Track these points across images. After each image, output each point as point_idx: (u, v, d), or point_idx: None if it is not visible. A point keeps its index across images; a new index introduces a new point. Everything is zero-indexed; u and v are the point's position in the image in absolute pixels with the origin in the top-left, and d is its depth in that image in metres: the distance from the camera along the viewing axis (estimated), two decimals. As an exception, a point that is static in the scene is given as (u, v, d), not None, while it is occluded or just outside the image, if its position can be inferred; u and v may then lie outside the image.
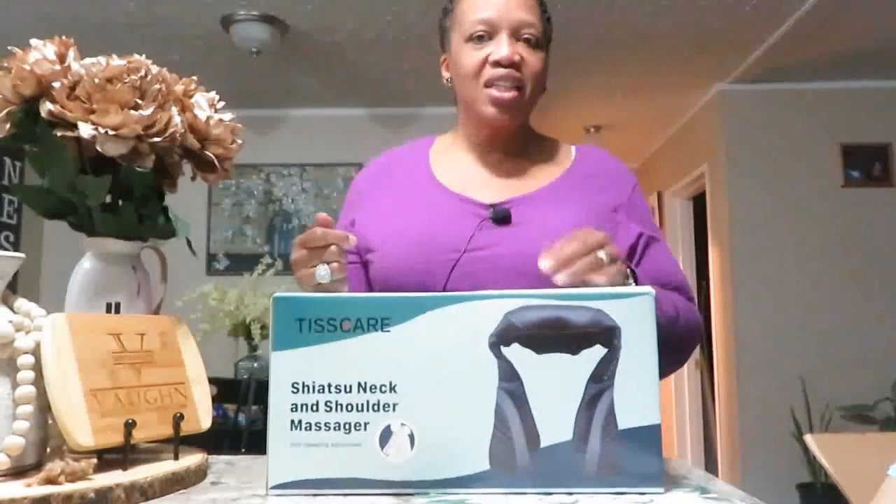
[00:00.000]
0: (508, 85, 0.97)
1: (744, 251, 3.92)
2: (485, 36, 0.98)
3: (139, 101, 0.79)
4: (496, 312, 0.66)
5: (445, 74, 1.08)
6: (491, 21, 0.97)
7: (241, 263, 4.15)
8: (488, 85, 0.98)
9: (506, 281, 0.94)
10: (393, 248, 1.00)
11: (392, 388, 0.66)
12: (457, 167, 1.06)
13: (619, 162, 1.11)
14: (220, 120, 0.89)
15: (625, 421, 0.65)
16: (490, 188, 1.03)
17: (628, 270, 0.83)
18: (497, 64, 0.97)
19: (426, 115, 4.40)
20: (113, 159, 0.79)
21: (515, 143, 1.06)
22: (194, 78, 0.89)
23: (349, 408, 0.66)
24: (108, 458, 0.71)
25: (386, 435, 0.65)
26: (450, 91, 1.08)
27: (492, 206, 1.00)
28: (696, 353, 4.89)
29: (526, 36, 0.98)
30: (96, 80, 0.77)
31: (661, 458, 0.65)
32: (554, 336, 0.66)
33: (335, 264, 0.83)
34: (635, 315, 0.66)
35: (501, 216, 0.99)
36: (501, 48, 0.96)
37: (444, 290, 0.96)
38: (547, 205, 1.00)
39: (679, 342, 0.95)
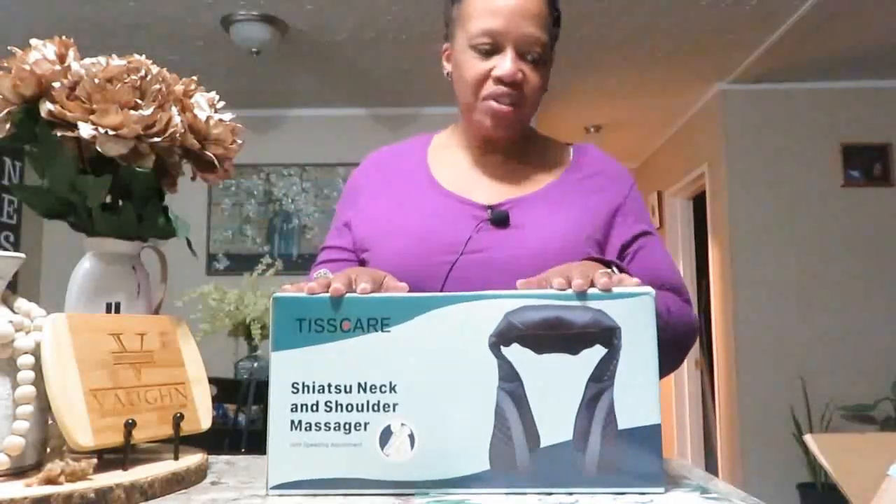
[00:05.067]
0: (507, 101, 0.96)
1: (744, 251, 3.92)
2: (490, 49, 0.96)
3: (139, 101, 0.79)
4: (496, 312, 0.66)
5: (447, 66, 1.06)
6: (498, 33, 0.95)
7: (241, 263, 4.15)
8: (487, 98, 0.97)
9: (502, 284, 0.92)
10: (389, 247, 0.99)
11: (392, 389, 0.66)
12: (455, 167, 1.06)
13: (617, 162, 1.10)
14: (220, 120, 0.89)
15: (625, 421, 0.65)
16: (488, 189, 1.02)
17: (613, 268, 0.82)
18: (499, 80, 0.95)
19: (426, 115, 4.40)
20: (113, 159, 0.79)
21: (514, 145, 1.05)
22: (194, 78, 0.89)
23: (349, 408, 0.66)
24: (108, 458, 0.71)
25: (386, 435, 0.65)
26: (450, 82, 1.06)
27: (490, 207, 0.99)
28: (696, 353, 4.89)
29: (531, 56, 0.96)
30: (96, 80, 0.77)
31: (661, 457, 0.65)
32: (554, 336, 0.66)
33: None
34: (635, 315, 0.66)
35: (500, 218, 0.98)
36: (505, 64, 0.95)
37: (440, 292, 0.95)
38: (545, 207, 1.00)
39: (669, 344, 0.92)
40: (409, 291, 0.94)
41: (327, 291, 0.68)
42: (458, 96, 1.03)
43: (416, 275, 0.92)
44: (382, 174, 1.09)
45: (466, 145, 1.07)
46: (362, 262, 1.05)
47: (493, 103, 0.96)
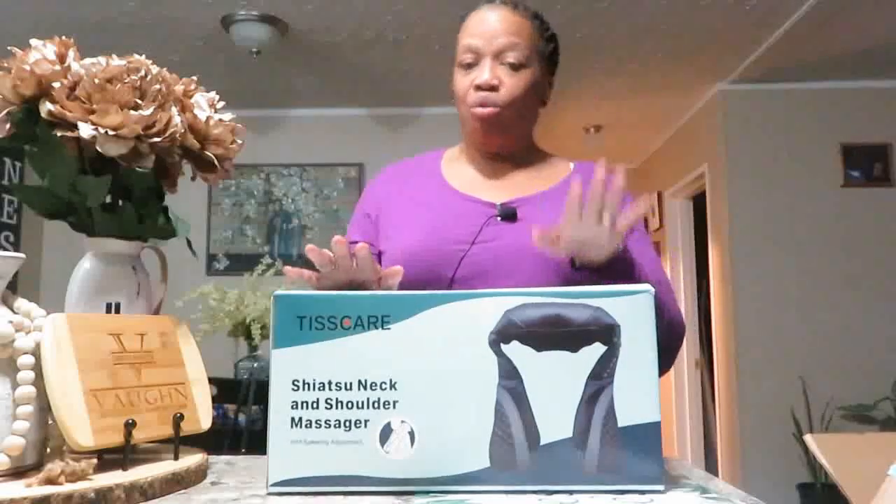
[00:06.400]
0: (488, 103, 1.07)
1: (744, 251, 3.92)
2: (472, 63, 1.08)
3: (139, 101, 0.79)
4: (496, 310, 0.66)
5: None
6: (476, 48, 1.08)
7: (241, 263, 4.15)
8: (472, 106, 1.08)
9: (510, 272, 1.02)
10: (405, 239, 1.07)
11: (392, 386, 0.66)
12: (466, 172, 1.16)
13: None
14: (220, 120, 0.89)
15: (625, 418, 0.65)
16: (497, 190, 1.12)
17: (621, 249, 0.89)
18: (478, 88, 1.07)
19: (426, 116, 4.40)
20: (113, 159, 0.79)
21: (519, 155, 1.15)
22: (194, 78, 0.89)
23: (349, 405, 0.66)
24: (108, 458, 0.71)
25: (386, 432, 0.65)
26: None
27: (500, 205, 1.08)
28: (697, 353, 4.89)
29: (509, 60, 1.07)
30: (96, 81, 0.77)
31: (660, 455, 0.65)
32: (554, 334, 0.66)
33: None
34: (635, 313, 0.66)
35: (508, 213, 1.07)
36: (482, 73, 1.07)
37: (452, 280, 1.03)
38: (549, 205, 1.08)
39: (665, 336, 0.97)
40: (423, 279, 1.02)
41: (326, 265, 0.72)
42: (458, 111, 1.14)
43: (430, 262, 1.04)
44: (398, 179, 1.19)
45: (474, 156, 1.17)
46: (379, 255, 1.13)
47: (477, 109, 1.07)
